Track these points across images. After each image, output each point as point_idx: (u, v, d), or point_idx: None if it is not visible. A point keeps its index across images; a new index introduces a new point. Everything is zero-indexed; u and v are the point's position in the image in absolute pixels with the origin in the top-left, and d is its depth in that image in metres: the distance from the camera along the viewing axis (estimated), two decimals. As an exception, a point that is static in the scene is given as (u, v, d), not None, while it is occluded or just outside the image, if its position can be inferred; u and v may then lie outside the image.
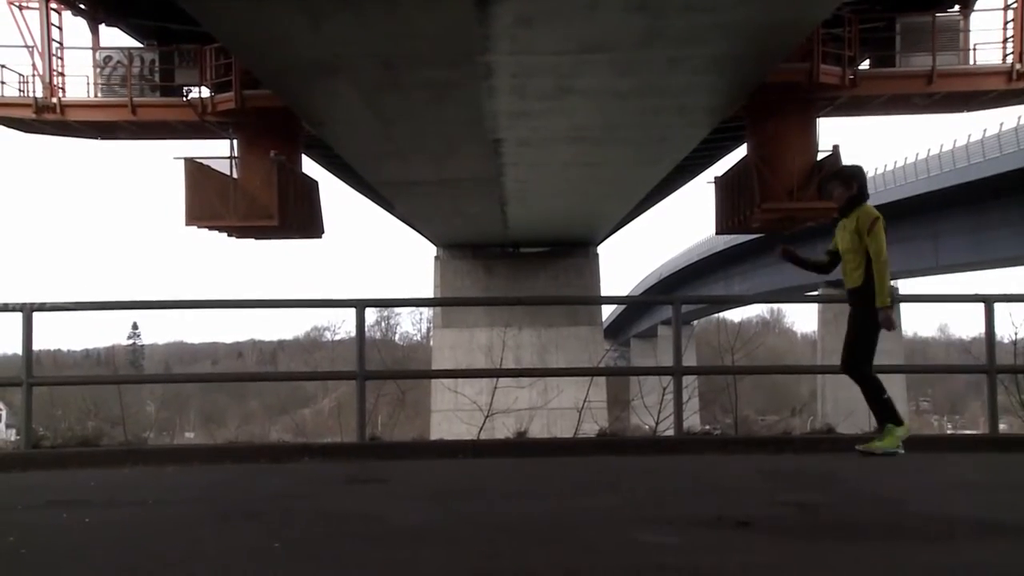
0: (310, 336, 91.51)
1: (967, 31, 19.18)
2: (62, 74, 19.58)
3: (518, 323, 26.48)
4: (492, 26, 12.27)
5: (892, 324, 6.51)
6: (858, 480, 5.75)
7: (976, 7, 19.34)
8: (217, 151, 20.90)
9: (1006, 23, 18.69)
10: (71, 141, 22.07)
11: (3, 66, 19.51)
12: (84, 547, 3.87)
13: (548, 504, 4.90)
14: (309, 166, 23.78)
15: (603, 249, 35.24)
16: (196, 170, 19.86)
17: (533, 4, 11.73)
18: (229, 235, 21.32)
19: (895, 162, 38.10)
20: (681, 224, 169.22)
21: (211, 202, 19.72)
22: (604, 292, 37.67)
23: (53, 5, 18.98)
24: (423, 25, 12.30)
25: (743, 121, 20.02)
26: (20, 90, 19.62)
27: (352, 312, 8.12)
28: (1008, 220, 33.34)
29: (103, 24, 19.83)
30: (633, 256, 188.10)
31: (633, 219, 36.15)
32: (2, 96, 19.64)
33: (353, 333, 8.50)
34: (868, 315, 6.55)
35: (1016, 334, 12.15)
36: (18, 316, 7.70)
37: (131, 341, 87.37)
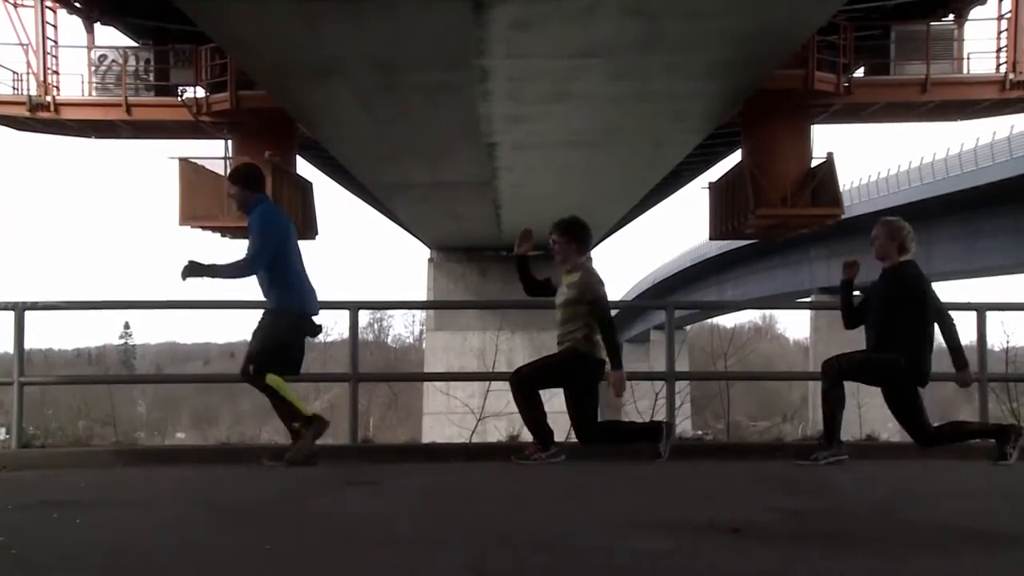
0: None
1: (961, 40, 19.26)
2: (56, 72, 19.54)
3: (511, 326, 26.44)
4: (488, 30, 12.27)
5: None
6: (850, 487, 5.76)
7: (970, 17, 19.43)
8: (212, 151, 20.90)
9: (1000, 33, 18.76)
10: (65, 140, 22.04)
11: (-2, 64, 19.50)
12: (75, 547, 3.86)
13: (539, 508, 4.89)
14: (303, 167, 23.78)
15: (597, 253, 35.28)
16: (190, 170, 19.85)
17: (530, 8, 11.73)
18: (223, 235, 21.28)
19: (888, 169, 38.28)
20: (675, 229, 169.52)
21: (205, 202, 19.71)
22: (597, 296, 37.58)
23: (48, 3, 18.96)
24: (420, 28, 12.30)
25: (738, 127, 20.07)
26: (14, 88, 19.56)
27: (345, 314, 8.12)
28: (1001, 228, 33.46)
29: (98, 23, 19.80)
30: (627, 260, 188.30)
31: (627, 223, 36.18)
32: (-4, 94, 19.63)
33: (345, 335, 8.49)
34: None
35: (1008, 342, 12.21)
36: (10, 315, 7.68)
37: (123, 341, 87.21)
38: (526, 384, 6.70)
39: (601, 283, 6.72)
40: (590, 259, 6.94)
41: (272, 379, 6.47)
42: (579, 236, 6.79)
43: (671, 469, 6.70)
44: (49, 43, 19.22)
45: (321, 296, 6.83)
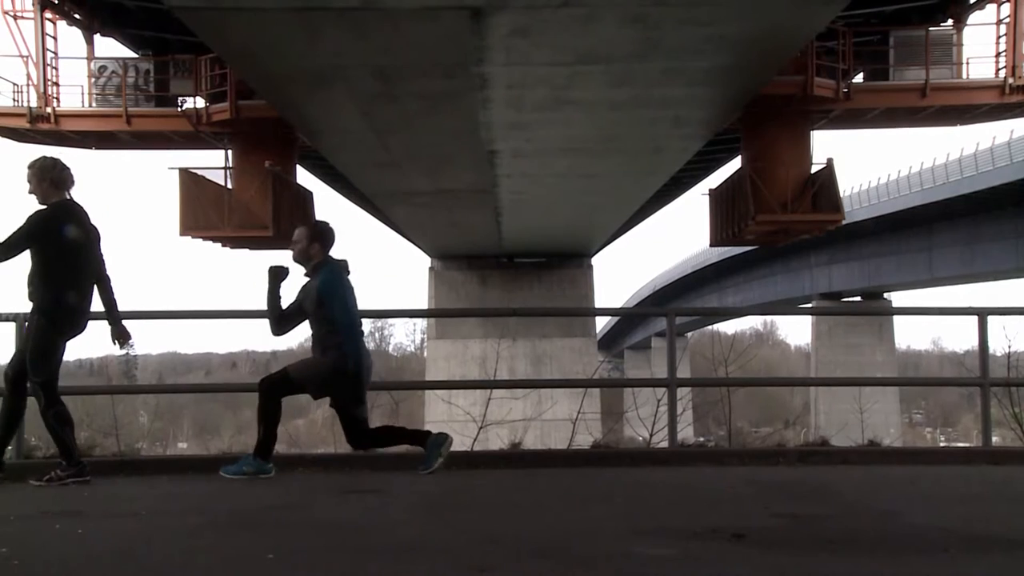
0: (304, 346, 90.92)
1: (960, 45, 19.25)
2: (57, 84, 19.55)
3: (512, 334, 26.42)
4: (487, 37, 12.27)
5: None
6: (852, 492, 5.76)
7: (969, 22, 19.44)
8: (212, 161, 20.92)
9: (999, 38, 18.76)
10: (66, 151, 22.04)
11: (-2, 76, 19.52)
12: (77, 558, 3.86)
13: (542, 516, 4.89)
14: (304, 176, 23.81)
15: (597, 260, 35.37)
16: (191, 180, 19.86)
17: (529, 15, 11.74)
18: (223, 245, 21.30)
19: (889, 175, 38.26)
20: (675, 236, 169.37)
21: (206, 212, 19.72)
22: (598, 303, 37.65)
23: (48, 15, 18.97)
24: (419, 36, 12.31)
25: (738, 133, 20.08)
26: (14, 100, 19.58)
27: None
28: (1002, 233, 33.48)
29: (98, 34, 19.83)
30: (627, 268, 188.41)
31: (628, 231, 36.20)
32: (-4, 106, 19.65)
33: (347, 344, 8.45)
34: None
35: (1009, 347, 12.17)
36: (11, 326, 7.67)
37: (124, 351, 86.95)
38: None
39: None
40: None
41: None
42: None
43: (673, 475, 6.70)
44: (49, 55, 19.22)
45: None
